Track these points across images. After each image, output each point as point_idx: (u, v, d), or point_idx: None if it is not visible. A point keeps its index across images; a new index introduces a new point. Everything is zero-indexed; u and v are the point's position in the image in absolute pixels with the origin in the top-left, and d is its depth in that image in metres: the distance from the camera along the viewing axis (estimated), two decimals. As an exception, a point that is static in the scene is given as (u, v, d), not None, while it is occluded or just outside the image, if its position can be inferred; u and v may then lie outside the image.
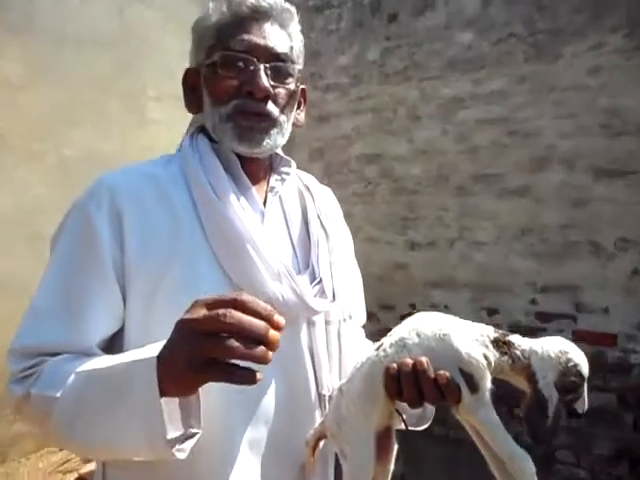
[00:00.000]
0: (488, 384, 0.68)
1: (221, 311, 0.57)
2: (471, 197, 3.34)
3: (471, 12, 3.28)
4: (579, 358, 0.69)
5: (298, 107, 0.94)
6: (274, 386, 0.81)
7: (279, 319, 0.60)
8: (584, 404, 0.69)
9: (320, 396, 0.83)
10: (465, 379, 0.67)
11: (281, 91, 0.86)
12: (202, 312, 0.59)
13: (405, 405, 0.75)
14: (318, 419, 0.82)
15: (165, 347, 0.64)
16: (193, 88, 0.91)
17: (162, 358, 0.63)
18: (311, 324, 0.84)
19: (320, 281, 0.84)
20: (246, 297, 0.59)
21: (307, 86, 0.98)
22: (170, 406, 0.66)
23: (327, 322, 0.86)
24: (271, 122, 0.85)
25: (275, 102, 0.85)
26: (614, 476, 2.84)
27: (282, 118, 0.87)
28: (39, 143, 2.90)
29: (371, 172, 3.69)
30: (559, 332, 3.04)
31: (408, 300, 3.55)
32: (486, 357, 0.68)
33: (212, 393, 0.73)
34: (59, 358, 0.75)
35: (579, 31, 2.97)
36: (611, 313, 2.91)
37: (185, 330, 0.60)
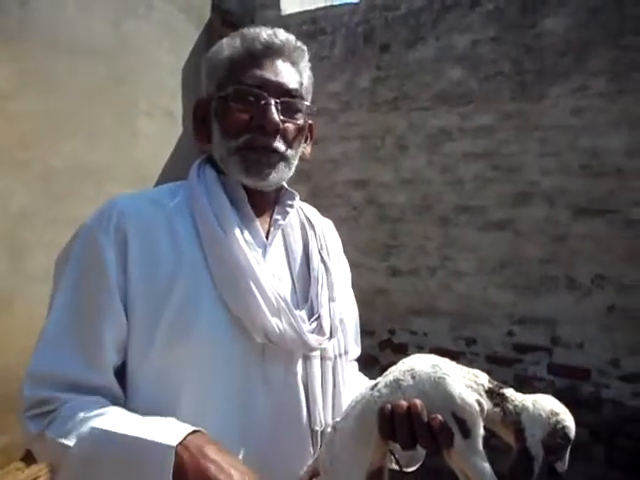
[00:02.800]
0: (481, 430, 0.68)
1: None
2: (454, 228, 3.40)
3: (461, 49, 3.37)
4: (568, 421, 0.69)
5: (305, 141, 0.96)
6: (266, 419, 0.81)
7: None
8: (564, 465, 0.69)
9: (312, 431, 0.83)
10: (458, 424, 0.67)
11: (290, 126, 0.88)
12: None
13: (398, 446, 0.76)
14: (309, 454, 0.82)
15: (197, 463, 0.65)
16: (203, 119, 0.92)
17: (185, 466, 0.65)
18: (307, 359, 0.85)
19: (318, 317, 0.85)
20: None
21: None
22: None
23: (323, 357, 0.87)
24: (278, 157, 0.87)
25: (284, 137, 0.87)
26: (584, 511, 2.87)
27: (290, 153, 0.88)
28: (26, 152, 2.87)
29: (357, 198, 3.73)
30: (534, 364, 3.09)
31: (388, 326, 3.57)
32: (479, 404, 0.69)
33: (198, 424, 0.73)
34: (77, 403, 0.75)
35: (564, 73, 3.07)
36: (586, 348, 2.97)
37: None
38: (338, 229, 1.11)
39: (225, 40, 0.91)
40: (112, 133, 3.32)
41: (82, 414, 0.73)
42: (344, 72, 3.80)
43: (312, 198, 3.70)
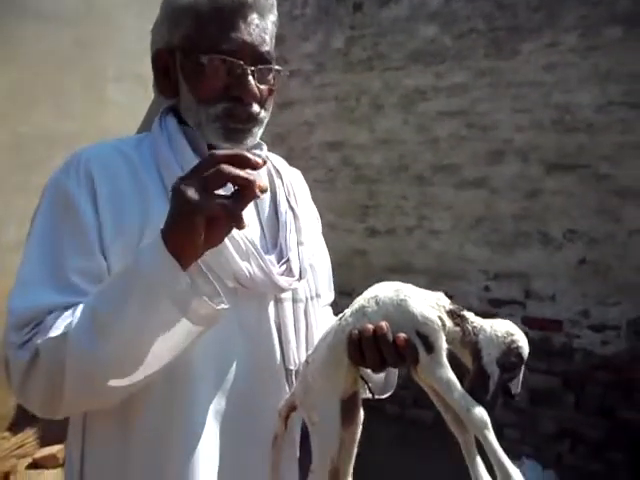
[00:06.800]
0: (444, 344, 0.72)
1: (220, 167, 0.65)
2: (430, 187, 3.43)
3: (434, 6, 3.34)
4: (522, 341, 0.74)
5: None
6: (240, 359, 0.83)
7: (257, 160, 0.67)
8: (518, 386, 0.74)
9: (287, 370, 0.86)
10: (422, 340, 0.71)
11: (264, 88, 0.87)
12: (195, 177, 0.65)
13: (371, 374, 0.80)
14: (285, 392, 0.84)
15: (167, 221, 0.67)
16: (166, 71, 0.89)
17: (165, 231, 0.67)
18: (279, 301, 0.87)
19: (287, 260, 0.87)
20: (219, 154, 0.67)
21: None
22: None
23: (295, 300, 0.89)
24: (255, 122, 0.87)
25: (259, 101, 0.86)
26: (556, 453, 3.01)
27: (263, 115, 0.88)
28: (-7, 120, 2.81)
29: (332, 159, 3.74)
30: (509, 317, 3.13)
31: (366, 286, 3.59)
32: (441, 320, 0.73)
33: (177, 367, 0.75)
34: (59, 311, 0.74)
35: (536, 29, 3.08)
36: (557, 300, 3.07)
37: (186, 191, 0.64)
38: (314, 192, 1.12)
39: None
40: (81, 100, 3.25)
41: (67, 311, 0.73)
42: (317, 32, 3.76)
43: (287, 161, 3.67)
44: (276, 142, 3.76)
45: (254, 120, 0.86)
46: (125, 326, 0.68)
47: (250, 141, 0.88)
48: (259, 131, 0.89)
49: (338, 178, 3.72)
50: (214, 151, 0.68)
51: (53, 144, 3.03)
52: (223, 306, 0.71)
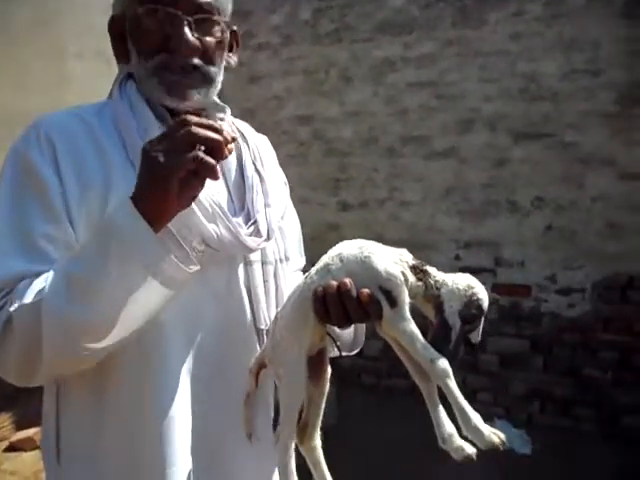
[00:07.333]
0: (406, 299, 0.73)
1: (191, 128, 0.67)
2: (400, 158, 3.45)
3: (401, -26, 3.32)
4: (482, 294, 0.76)
5: (230, 50, 0.93)
6: (211, 321, 0.84)
7: (231, 135, 0.71)
8: (478, 336, 0.76)
9: (258, 330, 0.87)
10: (385, 295, 0.72)
11: (208, 41, 0.85)
12: (166, 140, 0.68)
13: (339, 331, 0.81)
14: (257, 351, 0.86)
15: (138, 185, 0.69)
16: (120, 36, 0.88)
17: (137, 195, 0.69)
18: (248, 264, 0.88)
19: (255, 222, 0.87)
20: (189, 117, 0.69)
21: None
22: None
23: (264, 262, 0.90)
24: (199, 76, 0.85)
25: (203, 54, 0.85)
26: (527, 412, 3.12)
27: (213, 70, 0.86)
28: (-50, 99, 2.71)
29: (303, 133, 3.72)
30: (480, 286, 3.25)
31: (340, 259, 3.65)
32: (404, 275, 0.74)
33: (148, 331, 0.76)
34: (29, 278, 0.73)
35: (502, -2, 3.09)
36: (526, 266, 3.15)
37: (157, 154, 0.67)
38: (286, 166, 1.12)
39: None
40: (41, 78, 3.15)
41: (39, 278, 0.72)
42: (284, 4, 3.70)
43: (258, 136, 3.66)
44: (246, 117, 3.70)
45: (199, 72, 0.84)
46: (100, 290, 0.69)
47: (198, 98, 0.86)
48: (210, 89, 0.88)
49: (309, 152, 3.71)
50: (186, 115, 0.69)
51: (12, 123, 2.95)
52: (195, 268, 0.73)
